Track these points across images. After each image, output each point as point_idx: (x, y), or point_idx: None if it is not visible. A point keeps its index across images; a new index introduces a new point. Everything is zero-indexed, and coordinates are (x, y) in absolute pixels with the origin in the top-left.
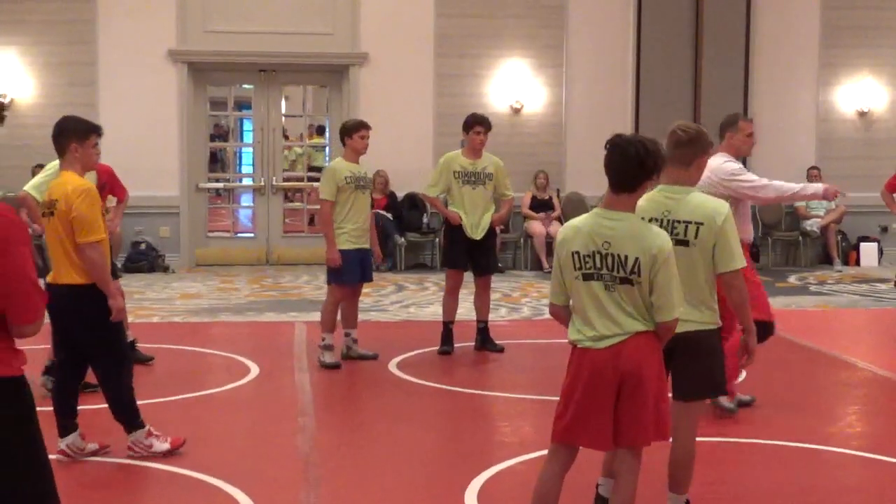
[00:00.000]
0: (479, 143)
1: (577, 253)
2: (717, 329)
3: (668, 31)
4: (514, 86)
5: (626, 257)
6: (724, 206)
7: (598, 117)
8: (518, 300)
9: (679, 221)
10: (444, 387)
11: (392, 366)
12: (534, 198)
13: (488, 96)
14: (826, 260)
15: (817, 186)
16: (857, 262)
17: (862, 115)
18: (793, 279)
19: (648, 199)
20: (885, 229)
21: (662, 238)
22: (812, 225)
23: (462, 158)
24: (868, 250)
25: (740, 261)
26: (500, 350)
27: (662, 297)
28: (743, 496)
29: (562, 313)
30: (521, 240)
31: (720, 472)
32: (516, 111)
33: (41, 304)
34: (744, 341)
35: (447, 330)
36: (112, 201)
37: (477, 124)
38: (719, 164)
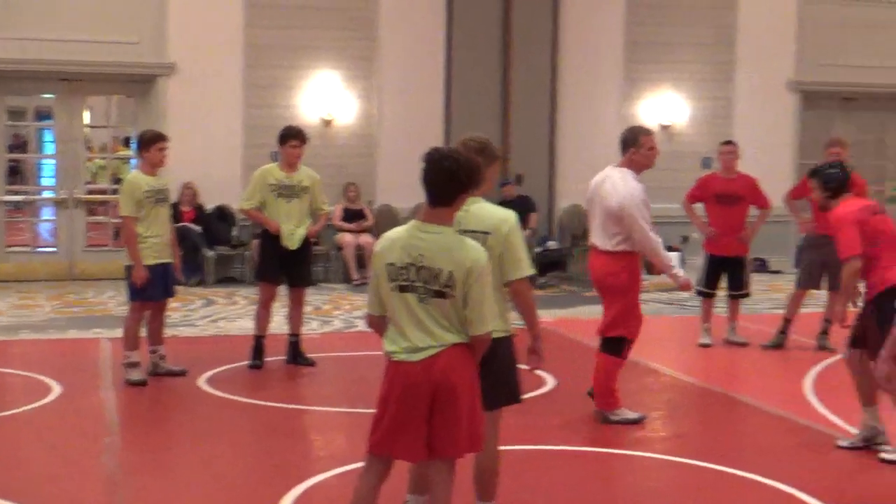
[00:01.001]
0: (295, 157)
1: (393, 265)
2: (508, 337)
3: (477, 44)
4: (324, 98)
5: (440, 270)
6: (510, 216)
7: (409, 129)
8: (329, 313)
9: (468, 231)
10: (255, 402)
11: (202, 381)
12: (346, 209)
13: (299, 108)
14: None
15: (680, 279)
16: (660, 272)
17: (664, 128)
18: None
19: None
20: (685, 239)
21: (477, 252)
22: None
23: (277, 171)
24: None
25: (527, 269)
26: (312, 364)
27: (476, 310)
28: (552, 503)
29: (378, 324)
30: (332, 252)
31: (529, 480)
32: (327, 123)
33: None
34: (532, 346)
35: (258, 344)
36: None
37: (292, 137)
38: (632, 187)
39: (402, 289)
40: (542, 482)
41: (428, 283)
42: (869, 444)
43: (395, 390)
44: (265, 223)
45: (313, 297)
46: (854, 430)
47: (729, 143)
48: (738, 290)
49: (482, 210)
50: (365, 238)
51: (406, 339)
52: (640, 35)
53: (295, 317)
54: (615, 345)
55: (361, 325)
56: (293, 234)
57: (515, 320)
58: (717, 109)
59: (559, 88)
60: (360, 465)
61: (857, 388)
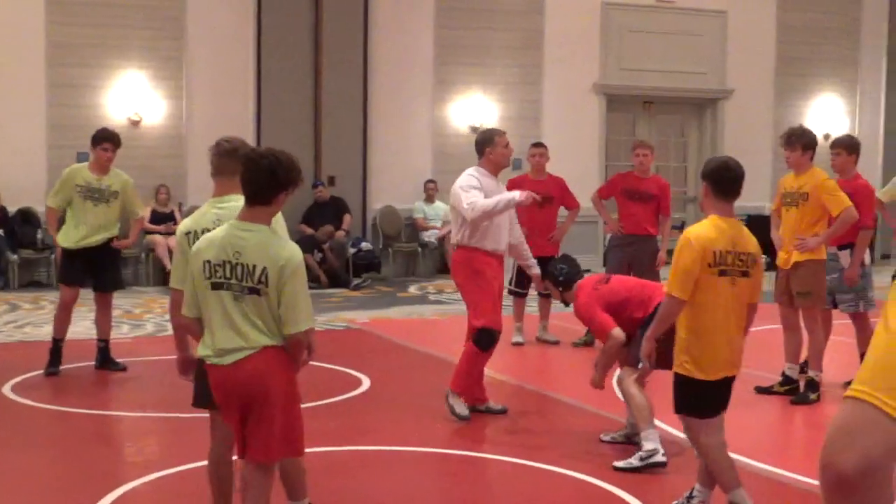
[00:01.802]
0: (106, 160)
1: (209, 262)
2: None
3: (288, 45)
4: (132, 97)
5: (254, 267)
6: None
7: (219, 130)
8: (141, 317)
9: None
10: (64, 409)
11: (6, 389)
12: (154, 211)
13: (105, 107)
14: (444, 269)
15: (513, 194)
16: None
17: (474, 129)
18: (413, 289)
19: (200, 213)
20: None
21: (292, 250)
22: (430, 236)
23: (87, 173)
24: None
25: None
26: (123, 369)
27: (290, 309)
28: (370, 502)
29: (194, 326)
30: (143, 255)
31: (348, 480)
32: (135, 123)
33: None
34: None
35: (56, 348)
36: None
37: (105, 140)
38: (465, 175)
39: (216, 286)
40: (363, 483)
41: (243, 281)
42: (630, 441)
43: (217, 394)
44: (50, 231)
45: (124, 301)
46: (662, 425)
47: (538, 144)
48: None
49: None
50: (174, 240)
51: (218, 340)
52: (450, 38)
53: (102, 321)
54: (478, 335)
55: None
56: (98, 243)
57: None
58: (526, 111)
59: (371, 90)
60: (172, 471)
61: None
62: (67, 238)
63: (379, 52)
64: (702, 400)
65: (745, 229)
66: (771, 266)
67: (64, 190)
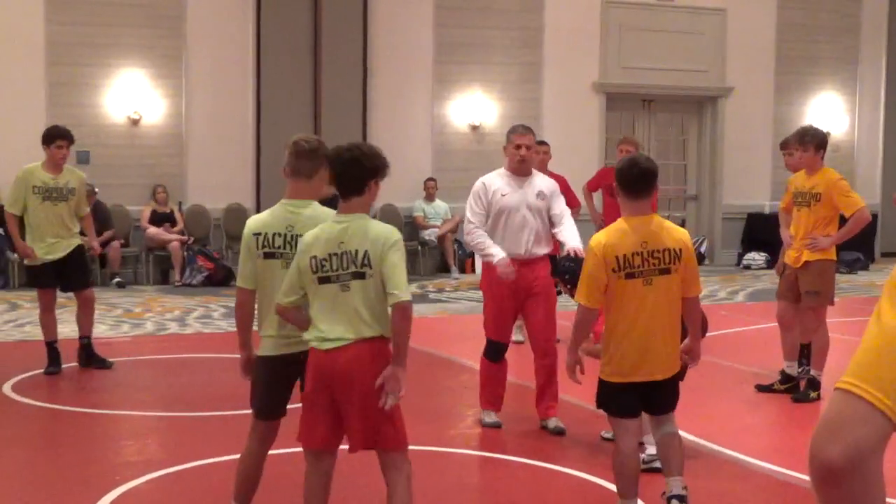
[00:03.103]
0: (61, 158)
1: (315, 258)
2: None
3: (288, 44)
4: (131, 96)
5: (356, 251)
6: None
7: (219, 129)
8: (141, 315)
9: (300, 236)
10: (64, 408)
11: (7, 388)
12: (154, 212)
13: (105, 107)
14: (444, 268)
15: (498, 264)
16: (473, 270)
17: (474, 128)
18: (413, 288)
19: (271, 214)
20: None
21: (389, 229)
22: (430, 234)
23: (42, 173)
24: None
25: None
26: (108, 366)
27: (391, 278)
28: (371, 501)
29: (290, 313)
30: (143, 254)
31: (344, 479)
32: (135, 122)
33: None
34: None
35: (52, 350)
36: None
37: (59, 138)
38: (473, 191)
39: (323, 280)
40: (360, 481)
41: (348, 268)
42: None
43: (311, 377)
44: (19, 247)
45: (124, 300)
46: None
47: (541, 142)
48: None
49: (314, 213)
50: (175, 240)
51: (321, 329)
52: (449, 37)
53: (83, 318)
54: (485, 347)
55: (174, 328)
56: (62, 242)
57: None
58: (526, 109)
59: (370, 88)
60: (173, 469)
61: None
62: (38, 247)
63: (378, 50)
64: (612, 399)
65: (661, 224)
66: (769, 265)
67: (22, 195)
